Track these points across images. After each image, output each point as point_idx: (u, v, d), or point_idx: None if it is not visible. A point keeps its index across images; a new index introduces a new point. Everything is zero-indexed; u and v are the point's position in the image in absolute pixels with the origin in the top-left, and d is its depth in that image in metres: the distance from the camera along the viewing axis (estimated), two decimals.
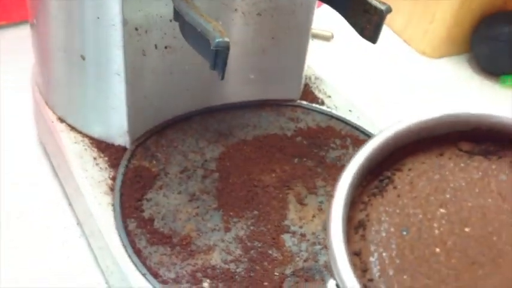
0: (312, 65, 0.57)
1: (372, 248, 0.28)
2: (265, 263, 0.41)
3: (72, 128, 0.49)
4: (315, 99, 0.55)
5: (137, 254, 0.42)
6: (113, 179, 0.47)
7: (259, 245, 0.42)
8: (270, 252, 0.42)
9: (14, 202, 0.51)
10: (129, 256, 0.42)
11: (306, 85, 0.56)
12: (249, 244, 0.43)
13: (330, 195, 0.43)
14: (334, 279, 0.26)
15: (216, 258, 0.42)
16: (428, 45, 0.73)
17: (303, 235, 0.43)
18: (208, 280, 0.41)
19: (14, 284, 0.43)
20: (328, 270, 0.28)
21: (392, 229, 0.28)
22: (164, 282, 0.41)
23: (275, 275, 0.40)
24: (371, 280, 0.27)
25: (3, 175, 0.53)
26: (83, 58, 0.44)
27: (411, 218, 0.29)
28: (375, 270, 0.27)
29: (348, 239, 0.28)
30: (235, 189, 0.46)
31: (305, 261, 0.41)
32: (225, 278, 0.41)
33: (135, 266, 0.41)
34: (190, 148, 0.49)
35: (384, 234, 0.28)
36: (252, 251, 0.42)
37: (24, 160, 0.55)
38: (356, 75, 0.69)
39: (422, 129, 0.30)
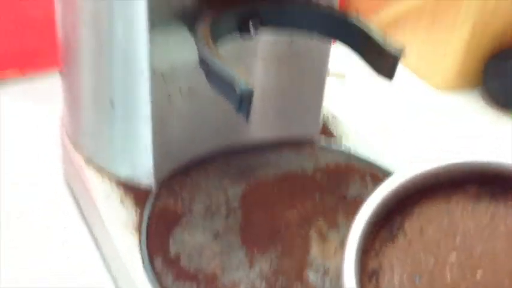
0: (328, 104, 0.59)
1: None
2: None
3: (100, 169, 0.51)
4: (332, 136, 0.56)
5: None
6: (139, 218, 0.48)
7: (284, 279, 0.43)
8: (295, 287, 0.43)
9: (48, 244, 0.52)
10: None
11: (324, 123, 0.57)
12: (273, 279, 0.44)
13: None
14: None
15: None
16: (440, 79, 0.75)
17: (326, 270, 0.44)
18: None
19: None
20: None
21: (405, 276, 0.29)
22: None
23: None
24: None
25: (33, 216, 0.54)
26: (112, 104, 0.46)
27: (423, 264, 0.29)
28: None
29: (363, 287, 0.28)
30: (258, 226, 0.47)
31: None
32: None
33: None
34: (214, 187, 0.50)
35: (396, 282, 0.28)
36: (276, 286, 0.43)
37: (52, 202, 0.56)
38: (370, 110, 0.71)
39: (430, 178, 0.31)
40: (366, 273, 0.29)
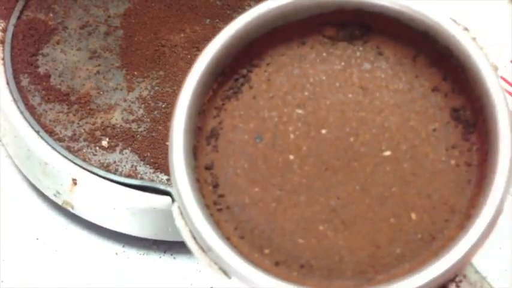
0: None
1: (224, 160, 0.25)
2: (169, 124, 0.40)
3: None
4: None
5: (30, 110, 0.39)
6: (3, 30, 0.42)
7: (164, 105, 0.41)
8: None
9: None
10: (21, 113, 0.39)
11: None
12: (152, 104, 0.41)
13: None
14: (178, 207, 0.24)
15: (116, 118, 0.40)
16: None
17: None
18: (107, 139, 0.39)
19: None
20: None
21: (246, 137, 0.25)
22: (60, 140, 0.38)
23: None
24: (222, 196, 0.24)
25: None
26: None
27: (266, 122, 0.25)
28: (226, 185, 0.25)
29: (200, 151, 0.25)
30: (140, 48, 0.43)
31: None
32: (126, 137, 0.39)
33: (28, 122, 0.39)
34: (93, 2, 0.45)
35: (237, 143, 0.25)
36: (155, 112, 0.40)
37: None
38: None
39: (276, 16, 0.26)
40: (204, 135, 0.25)
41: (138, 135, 0.39)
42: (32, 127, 0.38)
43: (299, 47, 0.26)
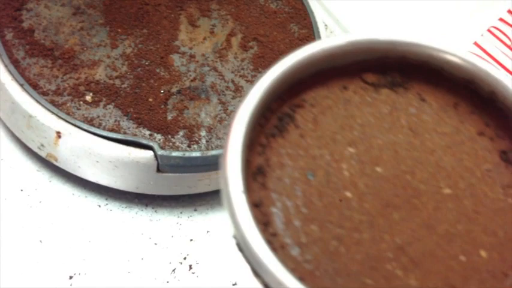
0: None
1: (274, 197, 0.24)
2: (152, 81, 0.41)
3: None
4: None
5: (14, 64, 0.40)
6: None
7: (147, 63, 0.41)
8: (158, 70, 0.41)
9: None
10: (6, 66, 0.40)
11: None
12: (136, 62, 0.41)
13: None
14: (234, 236, 0.23)
15: (100, 74, 0.41)
16: None
17: (192, 56, 0.42)
18: (91, 93, 0.40)
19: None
20: (229, 222, 0.24)
21: (296, 174, 0.25)
22: (44, 93, 0.39)
23: (161, 92, 0.40)
24: (274, 235, 0.23)
25: None
26: None
27: (317, 160, 0.25)
28: (279, 223, 0.24)
29: (246, 188, 0.24)
30: (124, 5, 0.43)
31: (192, 81, 0.41)
32: (109, 93, 0.40)
33: (12, 76, 0.39)
34: None
35: (287, 180, 0.24)
36: (138, 69, 0.41)
37: None
38: None
39: (323, 58, 0.26)
40: (250, 171, 0.25)
41: (121, 91, 0.40)
42: (17, 80, 0.39)
43: (341, 91, 0.27)
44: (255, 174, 0.25)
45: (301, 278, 0.23)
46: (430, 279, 0.23)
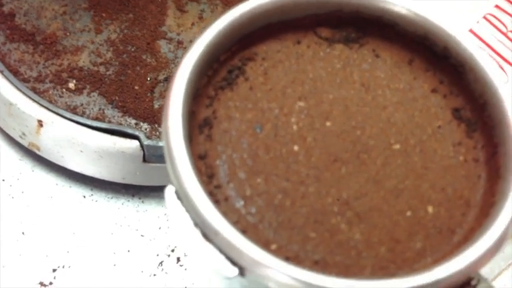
0: None
1: (220, 149, 0.24)
2: (138, 68, 0.39)
3: None
4: None
5: None
6: None
7: (133, 49, 0.40)
8: (144, 57, 0.40)
9: None
10: None
11: None
12: (121, 48, 0.40)
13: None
14: (173, 184, 0.23)
15: (84, 60, 0.39)
16: None
17: (180, 42, 0.41)
18: (74, 81, 0.38)
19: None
20: (169, 173, 0.23)
21: (243, 127, 0.24)
22: (25, 80, 0.38)
23: (147, 79, 0.39)
24: (218, 187, 0.23)
25: None
26: None
27: (266, 113, 0.25)
28: (223, 175, 0.23)
29: (191, 140, 0.24)
30: None
31: None
32: (93, 80, 0.38)
33: None
34: None
35: (234, 133, 0.24)
36: (124, 55, 0.40)
37: None
38: None
39: (274, 11, 0.26)
40: (196, 123, 0.24)
41: (106, 79, 0.39)
42: None
43: (294, 45, 0.27)
44: (201, 126, 0.24)
45: (243, 231, 0.22)
46: (374, 233, 0.23)
